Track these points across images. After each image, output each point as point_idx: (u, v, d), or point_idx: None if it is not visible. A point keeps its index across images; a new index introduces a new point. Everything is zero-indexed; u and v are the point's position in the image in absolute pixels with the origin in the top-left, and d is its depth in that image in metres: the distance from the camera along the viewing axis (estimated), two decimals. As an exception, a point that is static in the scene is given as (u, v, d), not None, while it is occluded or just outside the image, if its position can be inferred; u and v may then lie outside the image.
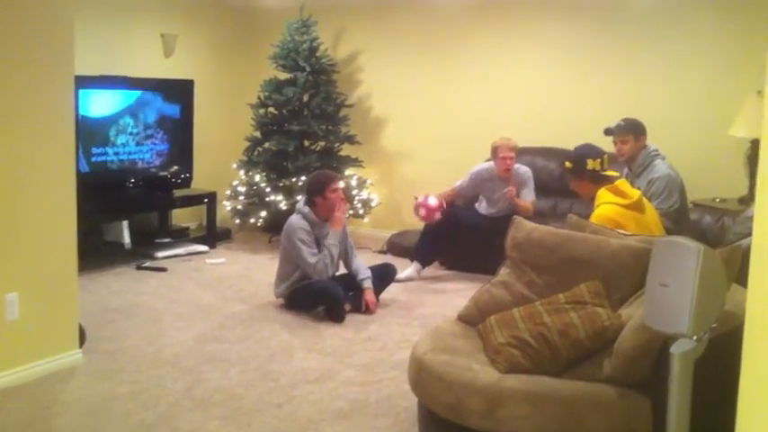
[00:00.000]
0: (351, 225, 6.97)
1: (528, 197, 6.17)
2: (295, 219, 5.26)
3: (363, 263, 5.48)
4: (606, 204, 4.12)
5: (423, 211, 6.07)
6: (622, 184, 4.24)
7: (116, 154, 6.50)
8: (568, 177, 4.42)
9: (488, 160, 6.34)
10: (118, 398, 3.74)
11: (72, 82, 4.04)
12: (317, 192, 5.23)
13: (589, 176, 4.27)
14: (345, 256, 5.41)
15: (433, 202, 6.06)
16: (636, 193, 4.24)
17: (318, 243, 5.22)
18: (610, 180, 4.23)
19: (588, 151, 4.34)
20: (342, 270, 5.48)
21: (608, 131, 5.29)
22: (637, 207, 4.16)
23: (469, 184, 6.36)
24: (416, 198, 6.16)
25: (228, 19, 8.10)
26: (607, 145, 4.98)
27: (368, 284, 5.28)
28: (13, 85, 3.75)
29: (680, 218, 4.96)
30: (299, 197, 5.41)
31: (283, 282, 5.25)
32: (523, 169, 6.26)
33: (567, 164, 4.38)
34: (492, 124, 6.81)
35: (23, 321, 3.88)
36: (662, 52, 6.46)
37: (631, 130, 5.19)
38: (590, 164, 4.25)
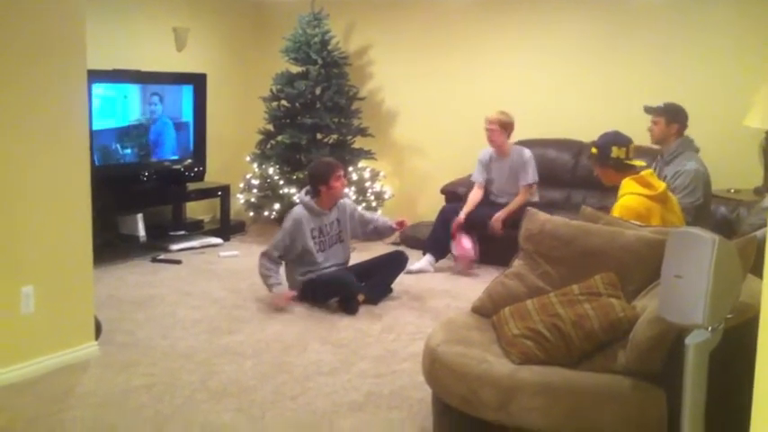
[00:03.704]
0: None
1: (524, 181, 6.22)
2: (297, 209, 5.29)
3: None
4: (631, 195, 4.07)
5: (462, 262, 6.16)
6: (649, 174, 4.20)
7: (130, 147, 6.52)
8: (593, 163, 4.38)
9: None
10: (133, 390, 3.76)
11: (85, 76, 4.05)
12: (321, 181, 5.22)
13: (613, 164, 4.23)
14: (364, 229, 5.50)
15: (466, 244, 6.14)
16: (661, 185, 4.19)
17: (321, 232, 5.24)
18: (634, 169, 4.18)
19: (614, 139, 4.29)
20: (353, 260, 5.50)
21: (647, 109, 5.27)
22: (662, 199, 4.11)
23: (480, 170, 6.41)
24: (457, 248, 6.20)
25: (240, 12, 8.11)
26: (634, 133, 4.86)
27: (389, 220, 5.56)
28: (26, 79, 3.77)
29: (700, 214, 4.88)
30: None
31: (294, 273, 5.27)
32: (525, 151, 6.31)
33: (593, 150, 4.33)
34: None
35: (39, 314, 3.91)
36: (676, 43, 6.42)
37: (664, 114, 5.15)
38: (615, 151, 4.20)
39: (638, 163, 4.28)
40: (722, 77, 6.20)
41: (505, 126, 6.21)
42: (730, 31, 6.19)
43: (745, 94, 5.82)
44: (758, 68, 5.90)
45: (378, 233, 5.55)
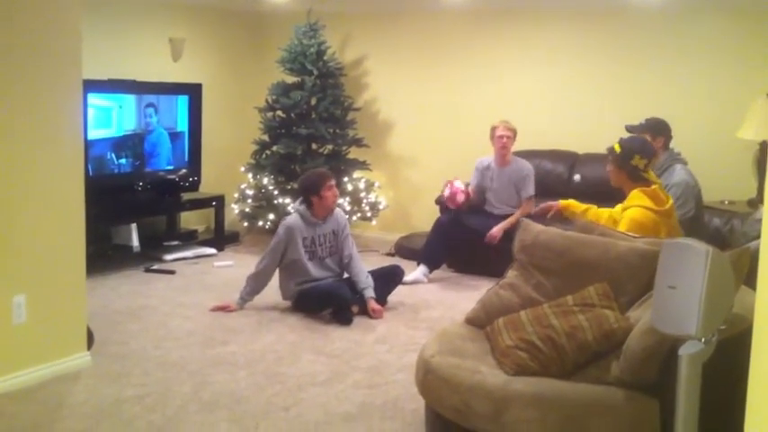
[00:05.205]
0: (359, 228, 6.98)
1: (525, 193, 6.23)
2: (291, 217, 5.29)
3: (364, 268, 5.37)
4: (638, 207, 4.04)
5: (447, 191, 6.15)
6: (659, 189, 4.18)
7: (125, 157, 6.52)
8: (610, 158, 4.33)
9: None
10: (125, 401, 3.74)
11: (80, 86, 4.05)
12: (312, 192, 5.23)
13: (628, 170, 4.19)
14: (341, 254, 5.36)
15: (458, 184, 6.14)
16: (669, 200, 4.18)
17: (314, 242, 5.24)
18: (646, 183, 4.17)
19: (641, 147, 4.23)
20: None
21: (629, 128, 5.26)
22: (668, 214, 4.11)
23: (476, 176, 6.40)
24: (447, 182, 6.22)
25: (236, 23, 8.12)
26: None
27: (369, 293, 5.20)
28: (21, 89, 3.76)
29: (693, 226, 4.89)
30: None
31: (288, 283, 5.26)
32: (526, 164, 6.31)
33: (617, 147, 4.27)
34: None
35: (31, 324, 3.89)
36: (670, 56, 6.45)
37: (649, 130, 5.14)
38: (636, 159, 4.16)
39: (653, 177, 4.26)
40: (716, 90, 6.22)
41: (515, 134, 6.25)
42: (723, 44, 6.22)
43: (738, 107, 5.84)
44: (751, 81, 5.92)
45: (353, 276, 5.33)
